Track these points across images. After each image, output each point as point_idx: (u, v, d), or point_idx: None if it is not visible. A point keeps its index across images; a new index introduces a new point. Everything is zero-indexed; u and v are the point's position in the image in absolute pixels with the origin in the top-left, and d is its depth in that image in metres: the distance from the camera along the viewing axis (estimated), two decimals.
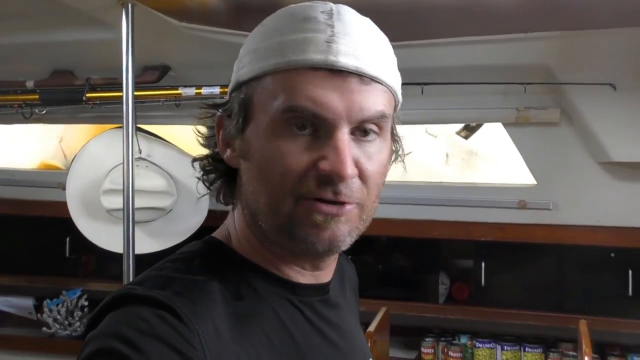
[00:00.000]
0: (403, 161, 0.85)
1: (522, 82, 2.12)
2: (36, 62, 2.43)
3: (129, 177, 1.88)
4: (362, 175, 0.74)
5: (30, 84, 2.47)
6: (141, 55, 1.86)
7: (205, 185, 0.84)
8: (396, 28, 2.03)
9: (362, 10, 2.02)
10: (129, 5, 1.77)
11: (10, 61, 2.41)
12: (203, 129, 0.85)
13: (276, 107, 0.71)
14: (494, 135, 2.56)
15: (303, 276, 0.81)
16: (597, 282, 2.55)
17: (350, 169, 0.71)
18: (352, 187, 0.73)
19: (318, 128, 0.72)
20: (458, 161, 2.74)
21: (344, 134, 0.71)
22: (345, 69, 0.70)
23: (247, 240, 0.80)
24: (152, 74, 2.36)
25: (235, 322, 0.72)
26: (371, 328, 2.04)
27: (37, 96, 2.47)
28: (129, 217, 1.89)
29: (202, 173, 0.84)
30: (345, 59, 0.70)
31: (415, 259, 2.94)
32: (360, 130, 0.73)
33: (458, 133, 2.50)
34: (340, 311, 0.87)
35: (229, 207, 0.85)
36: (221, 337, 0.69)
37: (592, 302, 2.52)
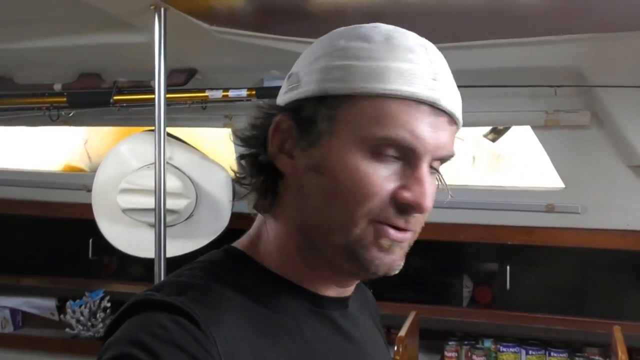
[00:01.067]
0: (447, 190, 0.86)
1: (552, 84, 2.10)
2: (64, 65, 2.44)
3: (160, 180, 1.89)
4: None
5: (58, 87, 2.48)
6: (169, 58, 1.86)
7: (245, 187, 0.82)
8: (423, 31, 2.02)
9: (388, 14, 2.03)
10: (162, 9, 1.77)
11: (39, 64, 2.43)
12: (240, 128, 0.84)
13: (373, 131, 0.71)
14: (521, 138, 2.54)
15: (326, 289, 0.81)
16: (625, 286, 2.53)
17: (430, 202, 0.73)
18: (418, 218, 0.75)
19: (405, 158, 0.73)
20: (485, 164, 2.72)
21: (426, 167, 0.73)
22: (444, 110, 0.73)
23: (282, 252, 0.79)
24: (179, 77, 2.36)
25: (253, 331, 0.72)
26: (402, 333, 2.03)
27: (65, 99, 2.48)
28: (160, 221, 1.90)
29: (242, 174, 0.82)
30: (445, 100, 0.73)
31: (438, 261, 2.93)
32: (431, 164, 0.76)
33: (485, 136, 2.48)
34: (358, 327, 0.87)
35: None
36: (238, 345, 0.69)
37: (619, 306, 2.50)
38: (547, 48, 2.05)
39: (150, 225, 2.34)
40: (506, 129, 2.46)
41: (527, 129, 2.38)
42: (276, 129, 0.77)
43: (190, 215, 2.45)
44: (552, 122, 2.23)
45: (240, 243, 0.83)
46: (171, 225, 2.41)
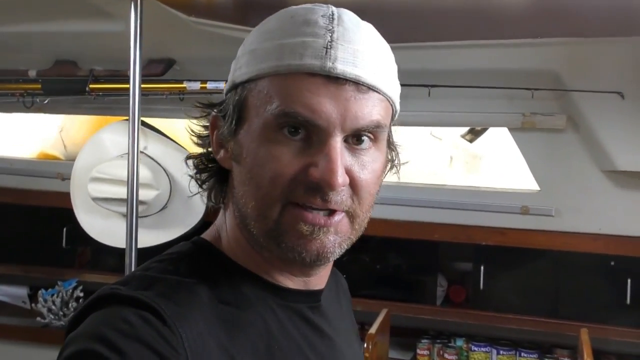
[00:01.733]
0: (398, 171, 0.84)
1: (529, 87, 2.11)
2: (39, 52, 2.41)
3: (133, 169, 1.87)
4: (354, 184, 0.73)
5: (32, 74, 2.45)
6: (147, 48, 1.84)
7: (198, 184, 0.83)
8: (404, 29, 2.03)
9: (370, 12, 2.01)
10: None
11: (13, 50, 2.40)
12: (197, 128, 0.84)
13: (270, 111, 0.70)
14: (498, 140, 2.56)
15: (293, 282, 0.80)
16: (596, 289, 2.55)
17: (341, 178, 0.69)
18: (343, 196, 0.72)
19: (311, 134, 0.70)
20: (462, 164, 2.73)
21: (336, 142, 0.70)
22: (342, 77, 0.69)
23: (238, 242, 0.79)
24: (156, 67, 2.34)
25: (220, 327, 0.71)
26: (372, 330, 2.03)
27: (39, 86, 2.45)
28: (132, 212, 1.88)
29: (195, 171, 0.83)
30: (343, 66, 0.69)
31: (413, 259, 2.93)
32: (354, 138, 0.72)
33: (463, 136, 2.49)
34: (331, 321, 0.85)
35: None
36: (205, 341, 0.68)
37: (590, 309, 2.52)
38: (525, 50, 2.06)
39: (122, 215, 2.32)
40: (483, 130, 2.47)
41: (504, 131, 2.39)
42: (211, 126, 0.79)
43: (164, 207, 2.42)
44: (529, 124, 2.24)
45: (207, 234, 0.83)
46: (145, 216, 2.39)
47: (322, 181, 0.69)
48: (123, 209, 2.19)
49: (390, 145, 0.80)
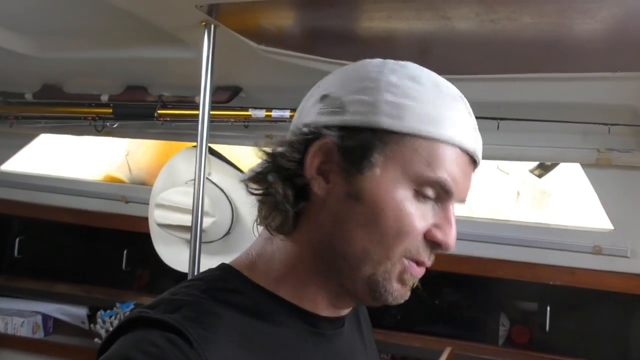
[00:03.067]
0: None
1: (604, 122, 2.03)
2: (112, 77, 2.47)
3: (199, 195, 1.87)
4: None
5: (104, 98, 2.51)
6: (215, 75, 1.86)
7: (287, 205, 0.78)
8: (475, 61, 1.99)
9: (440, 43, 1.98)
10: (212, 27, 1.77)
11: (87, 75, 2.46)
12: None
13: (423, 171, 0.74)
14: (568, 176, 2.47)
15: (324, 309, 0.82)
16: None
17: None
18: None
19: (439, 198, 0.76)
20: (529, 200, 2.64)
21: (453, 209, 0.78)
22: (478, 161, 0.79)
23: (289, 272, 0.79)
24: (223, 94, 2.36)
25: (247, 351, 0.72)
26: None
27: (111, 110, 2.51)
28: (196, 237, 1.88)
29: (262, 189, 0.79)
30: (481, 153, 0.79)
31: (473, 295, 2.85)
32: None
33: (531, 171, 2.41)
34: (352, 345, 0.88)
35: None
36: None
37: None
38: (602, 84, 1.98)
39: (186, 241, 2.33)
40: (553, 165, 2.39)
41: (575, 167, 2.30)
42: (319, 150, 0.77)
43: (228, 233, 2.42)
44: (604, 161, 2.16)
45: (237, 262, 0.83)
46: (209, 242, 2.40)
47: (444, 243, 0.76)
48: (185, 236, 2.20)
49: None
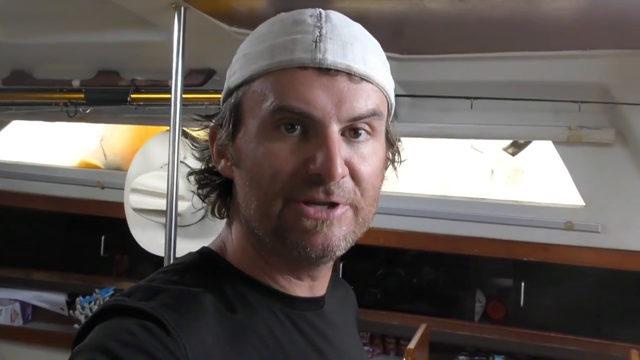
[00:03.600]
0: (396, 169, 0.84)
1: (576, 100, 2.05)
2: (83, 62, 2.44)
3: (173, 180, 1.87)
4: (355, 176, 0.73)
5: (76, 83, 2.48)
6: (188, 58, 1.85)
7: (201, 199, 0.84)
8: (446, 41, 2.00)
9: (411, 23, 1.98)
10: (182, 9, 1.75)
11: (58, 60, 2.43)
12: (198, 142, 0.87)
13: (265, 108, 0.71)
14: (541, 153, 2.50)
15: (299, 288, 0.80)
16: None
17: (340, 168, 0.69)
18: (345, 188, 0.72)
19: (307, 129, 0.71)
20: (503, 178, 2.68)
21: (333, 133, 0.70)
22: (333, 67, 0.70)
23: (244, 250, 0.79)
24: (197, 77, 2.35)
25: (225, 336, 0.71)
26: (411, 345, 1.99)
27: (83, 95, 2.47)
28: (171, 221, 1.88)
29: (197, 187, 0.84)
30: (333, 56, 0.70)
31: (450, 273, 2.89)
32: (352, 131, 0.73)
33: (505, 149, 2.44)
34: (335, 328, 0.86)
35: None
36: (209, 351, 0.68)
37: (637, 330, 2.44)
38: (572, 63, 2.01)
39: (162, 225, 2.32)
40: (527, 143, 2.42)
41: (548, 144, 2.33)
42: (210, 137, 0.80)
43: (204, 217, 2.42)
44: (575, 138, 2.19)
45: (213, 244, 0.83)
46: (186, 226, 2.39)
47: (322, 172, 0.69)
48: (162, 220, 2.19)
49: (390, 141, 0.80)
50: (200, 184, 0.83)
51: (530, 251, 2.43)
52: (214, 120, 0.80)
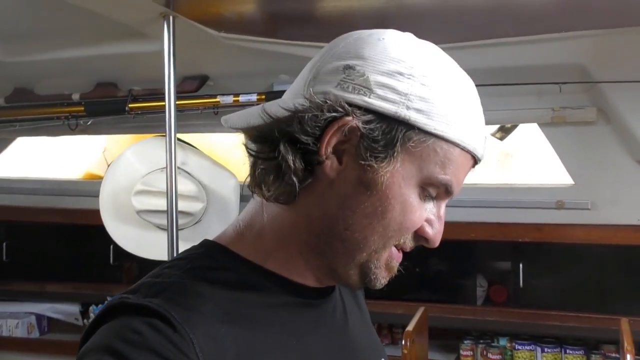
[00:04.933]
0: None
1: (556, 81, 2.11)
2: (81, 75, 2.51)
3: (172, 184, 1.93)
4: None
5: (75, 97, 2.56)
6: (181, 66, 1.92)
7: (295, 179, 0.72)
8: (427, 31, 2.05)
9: (392, 14, 2.04)
10: (171, 18, 1.83)
11: (57, 75, 2.50)
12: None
13: (437, 173, 0.73)
14: (529, 136, 2.56)
15: (311, 281, 0.80)
16: (639, 282, 2.51)
17: None
18: None
19: (438, 197, 0.76)
20: (493, 162, 2.73)
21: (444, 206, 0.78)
22: (479, 162, 0.78)
23: (281, 243, 0.77)
24: (191, 84, 2.42)
25: (234, 328, 0.70)
26: (409, 327, 2.05)
27: (82, 108, 2.55)
28: (172, 224, 1.94)
29: (294, 166, 0.72)
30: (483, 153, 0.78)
31: (451, 261, 2.94)
32: None
33: (493, 134, 2.50)
34: (344, 312, 0.87)
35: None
36: (219, 344, 0.68)
37: (634, 302, 2.49)
38: (551, 45, 2.06)
39: (160, 227, 2.39)
40: (514, 127, 2.47)
41: (534, 127, 2.39)
42: (339, 130, 0.71)
43: (199, 220, 2.49)
44: (559, 119, 2.25)
45: (223, 235, 0.81)
46: (181, 229, 2.46)
47: (432, 240, 0.76)
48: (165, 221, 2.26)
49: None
50: (291, 157, 0.72)
51: (525, 232, 2.49)
52: (355, 115, 0.70)
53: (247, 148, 0.76)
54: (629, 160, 2.25)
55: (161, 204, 2.30)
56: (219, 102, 2.41)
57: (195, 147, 2.58)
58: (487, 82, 2.16)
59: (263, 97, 2.37)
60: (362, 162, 0.71)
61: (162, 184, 2.30)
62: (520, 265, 2.61)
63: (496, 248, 2.80)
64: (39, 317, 3.34)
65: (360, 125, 0.70)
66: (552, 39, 2.04)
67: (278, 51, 2.16)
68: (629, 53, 2.03)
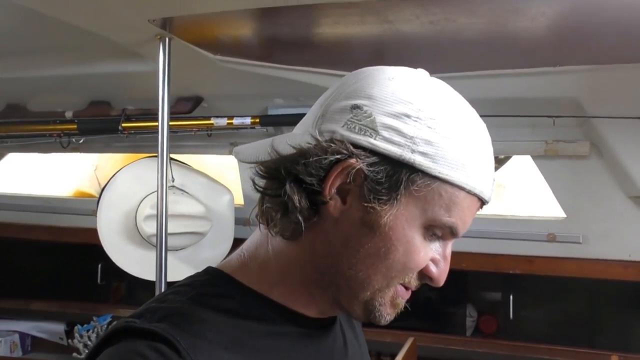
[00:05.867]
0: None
1: (550, 115, 2.12)
2: (75, 94, 2.51)
3: (162, 204, 1.91)
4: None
5: (69, 114, 2.55)
6: (175, 87, 1.91)
7: (300, 218, 0.73)
8: (423, 61, 2.06)
9: (389, 44, 2.04)
10: (167, 40, 1.83)
11: (51, 92, 2.50)
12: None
13: (441, 216, 0.73)
14: (522, 168, 2.56)
15: (314, 312, 0.81)
16: (629, 318, 2.50)
17: None
18: None
19: (444, 237, 0.76)
20: None
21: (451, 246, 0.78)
22: (487, 204, 0.78)
23: (284, 278, 0.78)
24: (185, 105, 2.42)
25: (237, 355, 0.71)
26: (398, 358, 2.02)
27: (75, 126, 2.54)
28: (161, 244, 1.92)
29: (299, 206, 0.74)
30: (491, 195, 0.78)
31: (441, 290, 2.90)
32: None
33: None
34: (344, 343, 0.87)
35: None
36: None
37: (623, 338, 2.47)
38: (546, 79, 2.07)
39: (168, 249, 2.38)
40: (507, 158, 2.47)
41: (527, 159, 2.39)
42: (343, 171, 0.71)
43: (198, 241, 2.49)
44: (552, 151, 2.25)
45: (227, 264, 0.81)
46: (180, 249, 2.45)
47: (437, 279, 0.76)
48: (178, 242, 2.25)
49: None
50: (297, 196, 0.73)
51: (516, 264, 2.48)
52: (359, 157, 0.71)
53: (254, 183, 0.77)
54: (621, 195, 2.25)
55: (172, 227, 2.28)
56: (212, 124, 2.41)
57: (189, 166, 2.57)
58: (481, 113, 2.15)
59: (257, 120, 2.37)
60: (366, 204, 0.72)
61: (171, 206, 2.29)
62: (511, 296, 2.60)
63: (487, 278, 2.79)
64: (23, 336, 3.29)
65: (364, 167, 0.71)
66: (547, 72, 2.05)
67: (273, 75, 2.16)
68: (623, 89, 2.04)
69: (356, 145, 0.71)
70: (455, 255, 2.36)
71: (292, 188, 0.72)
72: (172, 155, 2.51)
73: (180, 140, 2.52)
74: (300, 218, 0.73)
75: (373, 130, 0.71)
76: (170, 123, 1.99)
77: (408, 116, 0.71)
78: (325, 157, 0.71)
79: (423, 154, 0.71)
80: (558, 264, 2.40)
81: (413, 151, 0.70)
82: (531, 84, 2.09)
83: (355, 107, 0.73)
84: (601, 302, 2.59)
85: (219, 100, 2.46)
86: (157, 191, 1.93)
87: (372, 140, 0.71)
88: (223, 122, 2.39)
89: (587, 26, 1.69)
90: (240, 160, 0.80)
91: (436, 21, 1.68)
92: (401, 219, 0.72)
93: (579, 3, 1.56)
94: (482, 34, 1.80)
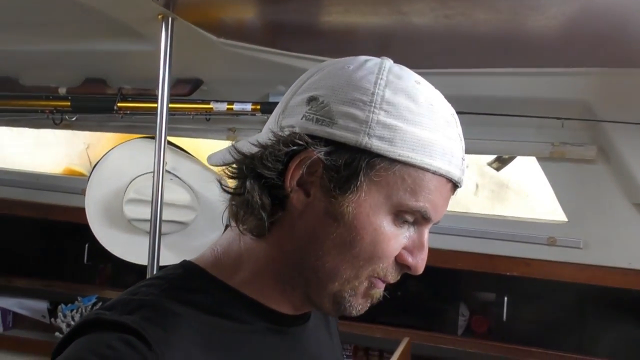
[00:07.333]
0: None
1: (559, 116, 2.08)
2: (70, 70, 2.43)
3: (158, 189, 1.87)
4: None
5: (62, 91, 2.47)
6: (175, 68, 1.85)
7: (263, 214, 0.74)
8: (432, 56, 2.01)
9: (399, 37, 1.99)
10: (169, 19, 1.76)
11: (44, 67, 2.42)
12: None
13: (407, 200, 0.72)
14: (525, 169, 2.52)
15: (290, 308, 0.81)
16: (625, 326, 2.48)
17: None
18: None
19: (416, 223, 0.75)
20: (488, 192, 2.69)
21: (427, 234, 0.76)
22: (460, 186, 0.77)
23: (256, 273, 0.78)
24: (184, 87, 2.35)
25: (209, 351, 0.71)
26: (393, 359, 1.99)
27: (69, 103, 2.46)
28: (155, 229, 1.87)
29: (261, 201, 0.74)
30: (463, 176, 0.77)
31: (434, 287, 2.90)
32: None
33: (490, 164, 2.45)
34: (317, 341, 0.88)
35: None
36: None
37: (617, 345, 2.46)
38: (556, 79, 2.03)
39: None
40: (511, 159, 2.43)
41: (532, 160, 2.35)
42: (302, 163, 0.72)
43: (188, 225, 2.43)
44: (558, 154, 2.21)
45: (201, 259, 0.81)
46: (167, 234, 2.39)
47: (414, 268, 0.75)
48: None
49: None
50: (258, 195, 0.74)
51: (513, 266, 2.45)
52: (315, 147, 0.71)
53: (220, 184, 0.79)
54: (626, 202, 2.22)
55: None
56: (212, 108, 2.34)
57: (186, 151, 2.51)
58: (488, 111, 2.12)
59: (258, 107, 2.30)
60: (327, 193, 0.72)
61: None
62: (505, 297, 2.57)
63: (481, 278, 2.76)
64: (4, 312, 3.23)
65: (322, 157, 0.71)
66: (558, 73, 2.01)
67: (276, 61, 2.10)
68: (633, 94, 2.01)
69: (314, 137, 0.71)
70: (451, 253, 2.34)
71: (253, 184, 0.74)
72: (170, 139, 2.44)
73: (177, 122, 2.46)
74: (263, 214, 0.73)
75: (330, 119, 0.71)
76: (169, 105, 1.92)
77: (363, 102, 0.71)
78: (280, 149, 0.72)
79: (380, 137, 0.70)
80: (556, 268, 2.38)
81: (370, 136, 0.70)
82: (541, 84, 2.06)
83: (312, 99, 0.73)
84: (597, 308, 2.58)
85: (220, 84, 2.39)
86: (154, 175, 1.88)
87: (328, 130, 0.71)
88: (223, 107, 2.32)
89: (601, 28, 1.65)
90: (211, 164, 0.83)
91: (452, 15, 1.62)
92: (365, 206, 0.71)
93: (598, 5, 1.51)
94: (496, 30, 1.75)
